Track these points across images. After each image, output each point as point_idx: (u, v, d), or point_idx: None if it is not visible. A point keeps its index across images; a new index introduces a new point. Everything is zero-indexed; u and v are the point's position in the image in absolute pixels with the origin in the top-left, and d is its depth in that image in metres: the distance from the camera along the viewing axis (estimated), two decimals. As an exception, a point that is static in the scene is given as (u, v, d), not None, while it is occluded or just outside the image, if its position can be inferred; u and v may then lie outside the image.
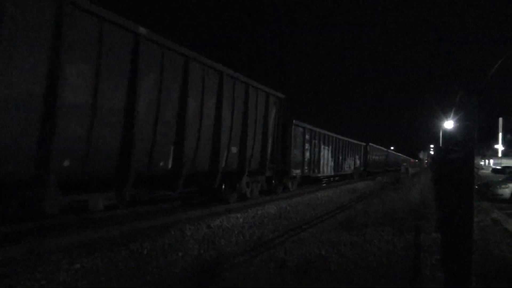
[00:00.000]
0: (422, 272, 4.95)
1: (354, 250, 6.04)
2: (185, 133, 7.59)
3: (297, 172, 15.48)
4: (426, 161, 61.13)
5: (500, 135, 67.37)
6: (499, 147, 67.68)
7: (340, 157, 22.61)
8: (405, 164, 63.29)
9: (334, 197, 15.00)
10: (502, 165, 53.23)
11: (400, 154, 66.95)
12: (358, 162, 28.30)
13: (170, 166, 7.40)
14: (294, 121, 14.83)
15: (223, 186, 10.18)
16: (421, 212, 9.72)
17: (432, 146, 53.71)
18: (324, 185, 20.67)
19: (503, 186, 14.83)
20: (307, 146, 16.53)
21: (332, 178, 22.80)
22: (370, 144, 32.30)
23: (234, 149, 9.71)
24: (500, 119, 66.79)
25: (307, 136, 16.48)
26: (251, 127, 10.47)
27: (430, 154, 54.17)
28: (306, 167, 16.53)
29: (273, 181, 13.57)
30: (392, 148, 63.35)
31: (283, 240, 6.81)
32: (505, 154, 65.18)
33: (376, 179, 27.88)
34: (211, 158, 8.75)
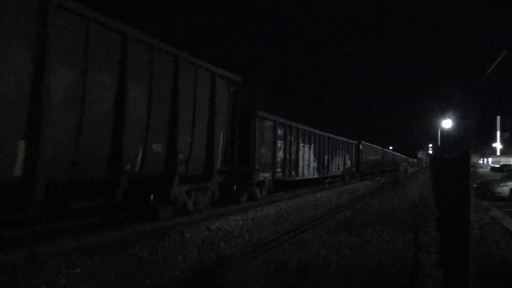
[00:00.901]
0: (421, 271, 4.97)
1: (353, 250, 6.06)
2: (44, 120, 4.97)
3: (265, 175, 12.58)
4: (424, 160, 61.23)
5: (498, 133, 67.54)
6: (497, 145, 67.86)
7: (326, 157, 19.78)
8: (404, 164, 63.24)
9: (333, 198, 15.03)
10: (501, 163, 53.36)
11: (397, 154, 66.78)
12: (349, 162, 25.37)
13: (18, 173, 4.86)
14: (259, 112, 11.86)
15: (152, 197, 7.75)
16: (420, 211, 9.75)
17: (430, 145, 53.88)
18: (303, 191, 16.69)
19: (501, 184, 14.84)
20: (279, 143, 13.62)
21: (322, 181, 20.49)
22: (362, 142, 29.03)
23: (157, 147, 7.22)
24: (498, 118, 66.93)
25: (279, 132, 13.55)
26: (185, 118, 7.86)
27: (428, 153, 54.24)
28: (278, 169, 13.61)
29: (235, 187, 11.05)
30: (391, 147, 63.39)
31: (282, 241, 6.83)
32: (503, 153, 65.36)
33: (375, 179, 27.98)
34: (112, 159, 6.21)
